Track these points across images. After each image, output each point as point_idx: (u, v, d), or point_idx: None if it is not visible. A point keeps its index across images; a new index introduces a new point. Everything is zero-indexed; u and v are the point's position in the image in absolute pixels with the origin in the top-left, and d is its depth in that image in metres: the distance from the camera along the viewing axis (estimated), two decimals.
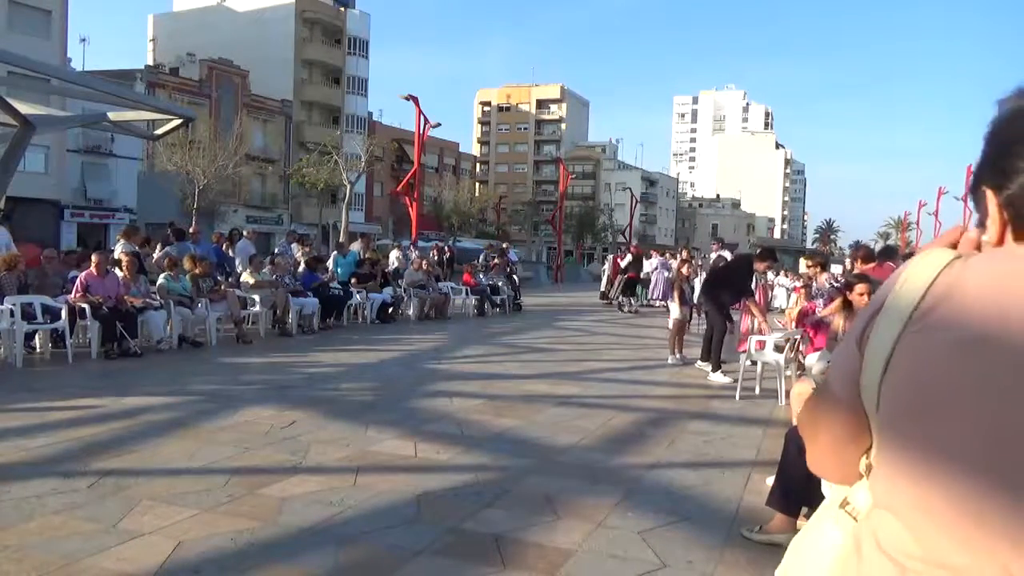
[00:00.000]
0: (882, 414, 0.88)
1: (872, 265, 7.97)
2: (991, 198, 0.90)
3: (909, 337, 0.86)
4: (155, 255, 12.57)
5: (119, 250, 12.43)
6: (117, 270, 10.23)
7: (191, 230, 14.59)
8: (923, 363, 0.84)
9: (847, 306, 6.40)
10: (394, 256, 19.96)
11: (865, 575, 0.90)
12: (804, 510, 3.87)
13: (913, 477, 0.84)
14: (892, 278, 0.93)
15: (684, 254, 15.12)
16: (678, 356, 10.27)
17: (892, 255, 8.85)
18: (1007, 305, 0.79)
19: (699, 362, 9.66)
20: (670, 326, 10.65)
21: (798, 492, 3.72)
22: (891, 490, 0.88)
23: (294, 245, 16.60)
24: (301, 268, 13.88)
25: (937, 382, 0.83)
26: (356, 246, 17.27)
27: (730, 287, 9.31)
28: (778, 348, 7.91)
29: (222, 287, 11.53)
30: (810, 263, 10.11)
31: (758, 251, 9.60)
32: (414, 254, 20.28)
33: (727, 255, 13.89)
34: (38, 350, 9.40)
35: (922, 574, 0.83)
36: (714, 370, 9.06)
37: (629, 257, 20.87)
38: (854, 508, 0.98)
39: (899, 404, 0.86)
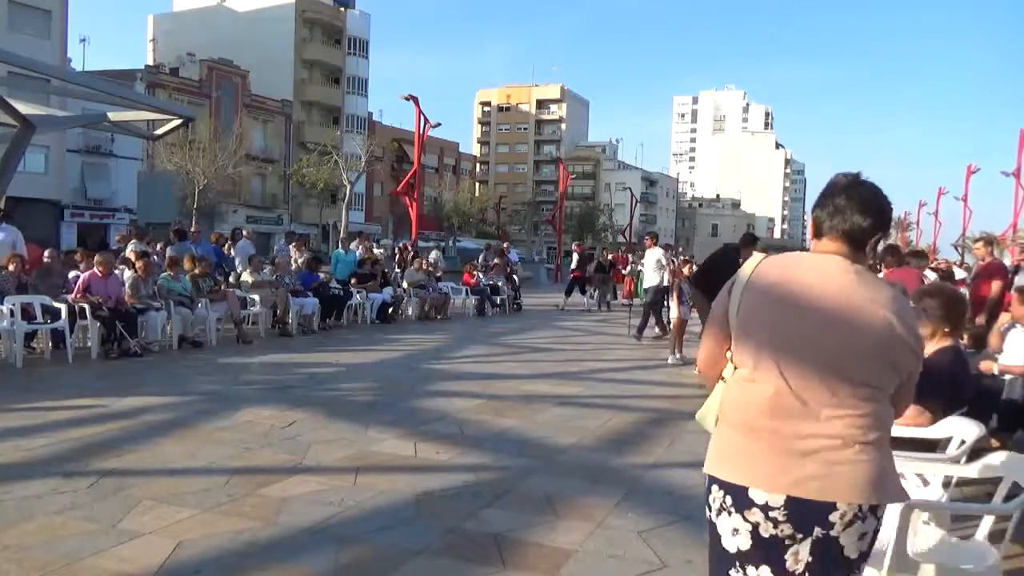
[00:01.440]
0: (737, 323, 1.99)
1: (891, 269, 7.91)
2: (812, 216, 2.04)
3: (747, 291, 1.98)
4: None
5: (130, 250, 12.47)
6: (127, 271, 10.27)
7: (192, 230, 14.59)
8: (750, 301, 1.96)
9: None
10: (434, 256, 20.56)
11: (728, 389, 2.03)
12: None
13: (747, 345, 1.96)
14: (744, 266, 2.06)
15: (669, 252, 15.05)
16: (678, 356, 10.27)
17: (921, 257, 8.97)
18: (779, 277, 1.95)
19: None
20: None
21: None
22: (738, 355, 2.00)
23: (291, 245, 16.62)
24: (294, 267, 13.90)
25: (754, 308, 1.95)
26: (354, 245, 17.26)
27: (721, 280, 9.17)
28: None
29: (221, 287, 11.54)
30: None
31: (741, 239, 9.46)
32: (433, 254, 20.65)
33: (660, 252, 13.04)
34: (38, 350, 9.40)
35: (744, 386, 1.95)
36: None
37: (575, 257, 20.98)
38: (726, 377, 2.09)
39: (743, 317, 1.97)
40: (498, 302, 17.85)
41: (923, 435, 3.43)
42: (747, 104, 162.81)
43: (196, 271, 11.00)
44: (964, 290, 8.18)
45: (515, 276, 19.96)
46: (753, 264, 2.02)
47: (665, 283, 12.59)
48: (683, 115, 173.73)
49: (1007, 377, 5.48)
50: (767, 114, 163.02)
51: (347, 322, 13.77)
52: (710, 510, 2.01)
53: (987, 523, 2.80)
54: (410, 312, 15.65)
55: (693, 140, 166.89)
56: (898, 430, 3.47)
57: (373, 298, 14.51)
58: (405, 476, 4.78)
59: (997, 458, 2.94)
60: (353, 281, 14.69)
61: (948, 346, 3.63)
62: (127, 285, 9.87)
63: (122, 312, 9.37)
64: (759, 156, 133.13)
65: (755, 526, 1.91)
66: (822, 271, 1.93)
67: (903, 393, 2.04)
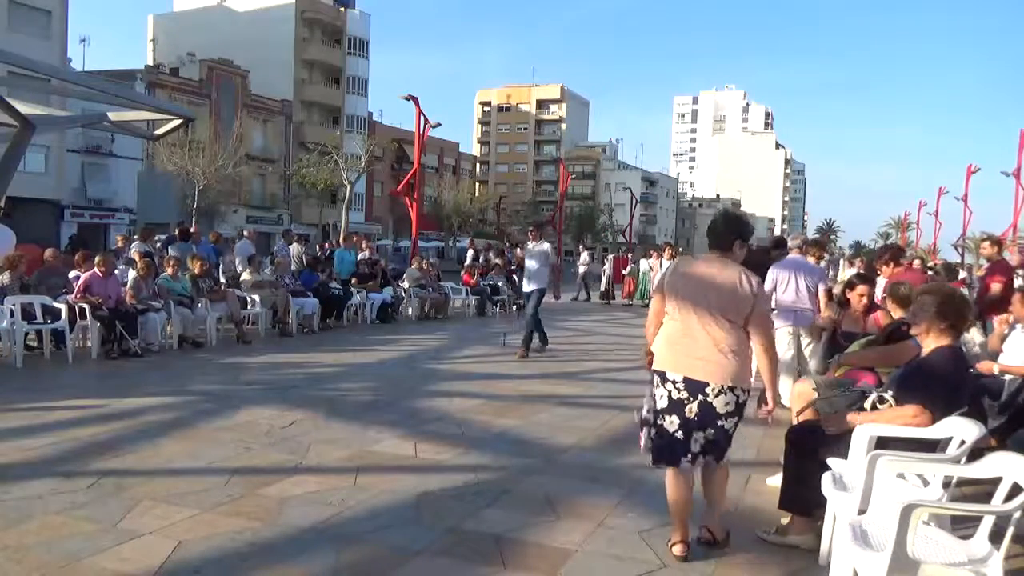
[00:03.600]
0: (666, 291, 3.68)
1: (900, 268, 7.92)
2: (707, 237, 3.88)
3: (671, 274, 3.74)
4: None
5: (134, 250, 12.46)
6: (131, 271, 10.26)
7: (192, 231, 14.59)
8: (672, 279, 3.70)
9: (841, 304, 6.39)
10: (489, 256, 20.69)
11: (664, 329, 3.72)
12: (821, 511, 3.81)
13: (673, 305, 3.64)
14: (673, 261, 4.80)
15: (668, 251, 14.23)
16: None
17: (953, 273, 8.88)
18: (685, 266, 3.75)
19: None
20: None
21: (806, 491, 3.71)
22: (670, 310, 3.67)
23: (294, 245, 16.58)
24: (294, 266, 13.89)
25: (673, 282, 3.67)
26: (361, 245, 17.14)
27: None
28: None
29: (221, 287, 11.53)
30: (814, 252, 9.65)
31: (772, 242, 9.27)
32: (470, 253, 20.67)
33: (548, 246, 10.81)
34: (38, 350, 9.39)
35: (669, 323, 3.69)
36: None
37: (470, 253, 20.77)
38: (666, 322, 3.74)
39: (668, 288, 3.67)
40: (496, 300, 17.81)
41: (923, 435, 3.43)
42: (747, 104, 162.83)
43: (196, 271, 11.00)
44: (964, 289, 8.19)
45: (515, 276, 19.96)
46: (676, 261, 3.97)
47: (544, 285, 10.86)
48: (683, 115, 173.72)
49: (1007, 377, 5.49)
50: (767, 114, 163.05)
51: (347, 322, 13.77)
52: (653, 386, 3.70)
53: (987, 523, 2.80)
54: (410, 312, 15.65)
55: (693, 140, 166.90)
56: (898, 430, 3.49)
57: (373, 298, 14.50)
58: (405, 476, 4.78)
59: (997, 458, 2.94)
60: (353, 281, 14.69)
61: (946, 345, 3.62)
62: (128, 285, 9.86)
63: (122, 312, 9.36)
64: (759, 156, 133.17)
65: (669, 392, 3.61)
66: (707, 263, 3.67)
67: (754, 322, 3.57)
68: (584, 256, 25.51)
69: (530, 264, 10.70)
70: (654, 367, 3.66)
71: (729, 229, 3.69)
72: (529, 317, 10.49)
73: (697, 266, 3.68)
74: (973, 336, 6.96)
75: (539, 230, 11.21)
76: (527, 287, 10.75)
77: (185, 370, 8.66)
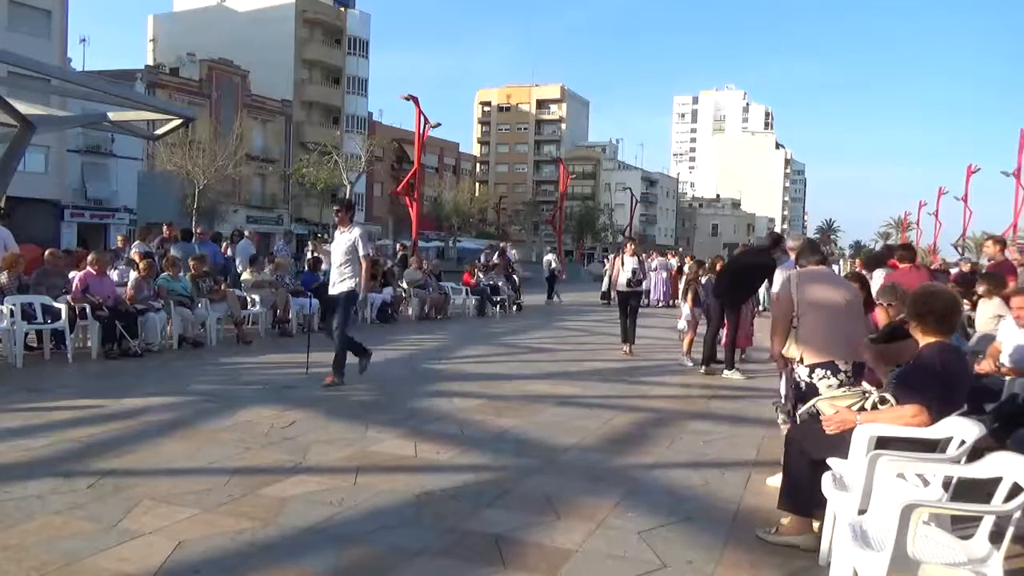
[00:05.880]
0: (805, 300, 4.59)
1: (907, 266, 7.91)
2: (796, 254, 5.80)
3: (801, 284, 4.66)
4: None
5: (134, 250, 12.46)
6: (132, 271, 10.26)
7: (197, 231, 14.58)
8: (811, 288, 4.62)
9: None
10: (548, 260, 20.65)
11: (808, 329, 4.56)
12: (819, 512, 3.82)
13: (815, 307, 4.56)
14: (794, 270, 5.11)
15: (630, 247, 12.43)
16: (690, 358, 10.10)
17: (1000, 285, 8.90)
18: (819, 277, 4.78)
19: (702, 368, 9.42)
20: (680, 326, 10.63)
21: (805, 491, 3.71)
22: (803, 328, 4.58)
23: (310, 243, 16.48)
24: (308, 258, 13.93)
25: (816, 291, 4.62)
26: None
27: (750, 285, 8.62)
28: None
29: (221, 287, 11.53)
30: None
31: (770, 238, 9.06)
32: (547, 257, 20.59)
33: (358, 232, 8.00)
34: (37, 348, 9.38)
35: (822, 329, 4.49)
36: (703, 363, 9.30)
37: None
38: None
39: (809, 296, 4.59)
40: (496, 300, 17.81)
41: (923, 435, 3.43)
42: (747, 104, 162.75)
43: (193, 271, 10.99)
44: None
45: (515, 276, 19.96)
46: (797, 274, 4.71)
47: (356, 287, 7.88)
48: (683, 115, 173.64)
49: (1006, 377, 5.48)
50: (767, 114, 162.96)
51: None
52: (816, 379, 4.45)
53: (987, 523, 2.80)
54: (410, 312, 15.64)
55: (693, 140, 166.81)
56: (898, 430, 3.48)
57: (373, 298, 14.49)
58: (405, 476, 4.77)
59: (997, 458, 2.94)
60: None
61: (936, 341, 3.62)
62: (130, 285, 9.86)
63: (122, 312, 9.36)
64: (759, 156, 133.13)
65: (841, 381, 4.35)
66: (826, 273, 4.70)
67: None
68: (510, 253, 21.89)
69: (337, 258, 8.02)
70: (815, 361, 4.41)
71: (812, 250, 5.01)
72: (337, 333, 7.94)
73: (825, 276, 4.74)
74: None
75: (347, 213, 8.19)
76: (335, 289, 8.05)
77: (185, 370, 8.66)
